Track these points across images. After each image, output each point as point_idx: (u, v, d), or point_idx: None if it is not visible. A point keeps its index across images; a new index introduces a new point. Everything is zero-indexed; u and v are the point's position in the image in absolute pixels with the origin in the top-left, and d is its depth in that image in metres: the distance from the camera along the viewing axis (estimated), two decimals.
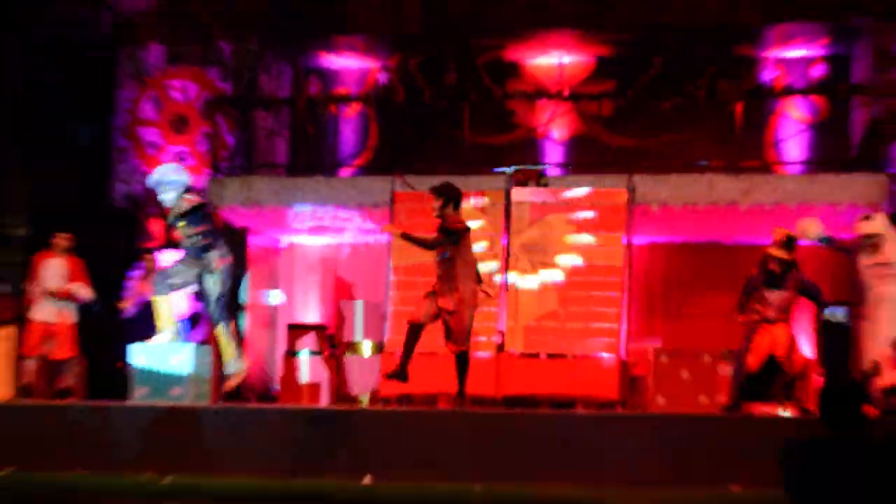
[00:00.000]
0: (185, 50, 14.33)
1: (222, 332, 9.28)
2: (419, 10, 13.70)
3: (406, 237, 8.92)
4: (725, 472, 7.16)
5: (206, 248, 9.07)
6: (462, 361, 8.72)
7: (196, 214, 9.06)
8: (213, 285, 9.10)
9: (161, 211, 9.89)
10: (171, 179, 9.12)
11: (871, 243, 9.19)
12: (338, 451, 7.69)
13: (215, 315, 9.18)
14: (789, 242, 9.53)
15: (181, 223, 9.09)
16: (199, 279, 9.18)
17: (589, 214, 11.21)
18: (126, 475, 7.58)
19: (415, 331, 8.73)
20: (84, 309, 11.24)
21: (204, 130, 13.44)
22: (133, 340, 10.03)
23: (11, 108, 13.97)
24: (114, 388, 10.26)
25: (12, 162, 13.93)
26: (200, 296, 9.51)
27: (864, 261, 9.25)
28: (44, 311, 10.89)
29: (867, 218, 9.37)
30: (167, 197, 9.20)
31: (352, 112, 14.37)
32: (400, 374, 8.76)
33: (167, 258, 9.80)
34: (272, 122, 13.96)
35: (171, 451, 7.87)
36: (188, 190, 9.18)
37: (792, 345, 9.80)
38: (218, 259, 9.09)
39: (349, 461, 7.56)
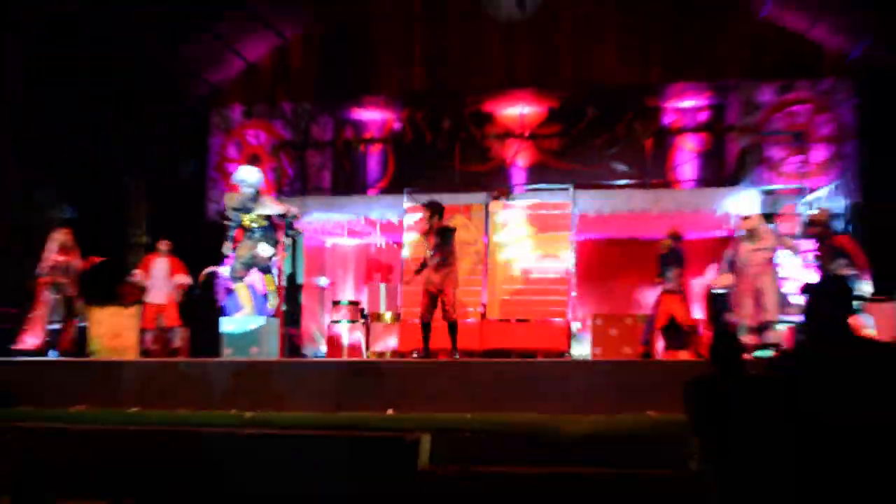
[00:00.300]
0: (258, 108, 14.23)
1: (269, 279, 9.47)
2: (423, 79, 13.68)
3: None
4: (644, 401, 7.08)
5: (264, 230, 9.27)
6: (453, 327, 8.79)
7: (263, 203, 9.35)
8: (265, 251, 9.29)
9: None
10: (249, 176, 9.41)
11: (751, 234, 9.12)
12: (368, 392, 7.61)
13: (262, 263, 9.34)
14: (677, 236, 9.69)
15: (251, 208, 9.31)
16: (254, 255, 9.28)
17: (544, 219, 11.23)
18: (218, 412, 7.51)
19: (426, 325, 8.83)
20: (185, 292, 11.17)
21: (271, 165, 13.41)
22: (223, 314, 9.98)
23: (136, 152, 13.90)
24: (209, 348, 10.17)
25: (137, 191, 13.87)
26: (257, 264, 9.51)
27: (746, 246, 9.15)
28: (155, 295, 10.80)
29: (747, 217, 9.32)
30: (245, 190, 9.34)
31: (375, 150, 14.36)
32: (425, 354, 8.78)
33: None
34: (319, 158, 13.97)
35: (250, 394, 7.81)
36: (257, 187, 9.45)
37: (686, 308, 9.79)
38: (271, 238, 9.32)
39: (377, 398, 7.49)
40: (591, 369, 7.67)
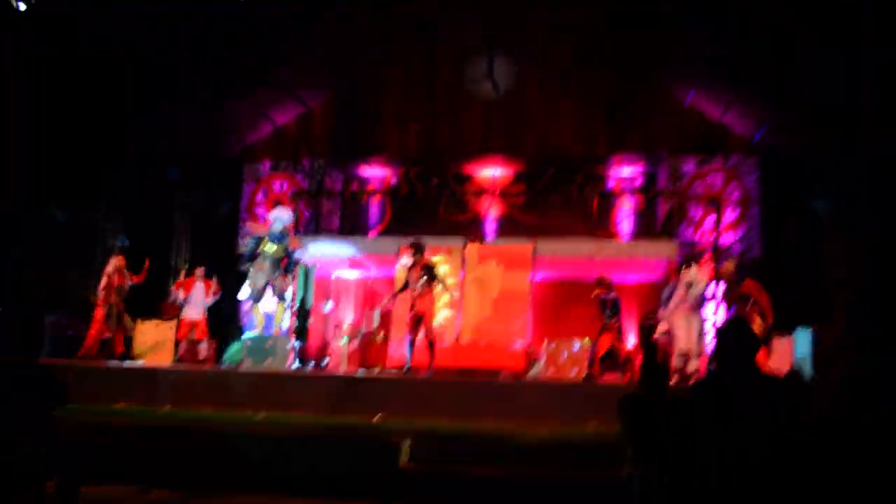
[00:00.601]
0: (282, 163, 14.09)
1: (282, 307, 9.31)
2: (417, 144, 13.62)
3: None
4: (588, 415, 6.96)
5: (279, 262, 9.15)
6: (432, 345, 8.64)
7: (285, 239, 9.22)
8: (282, 282, 9.16)
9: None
10: (283, 216, 9.31)
11: (689, 283, 9.02)
12: (361, 399, 7.45)
13: (279, 292, 9.18)
14: (603, 282, 9.57)
15: (276, 241, 9.18)
16: (271, 281, 9.12)
17: (509, 261, 11.14)
18: (236, 411, 7.33)
19: (410, 345, 8.74)
20: (213, 309, 10.96)
21: (291, 209, 13.22)
22: (245, 330, 9.80)
23: (183, 195, 13.79)
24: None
25: (181, 226, 13.74)
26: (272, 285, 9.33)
27: (681, 292, 9.05)
28: (190, 312, 10.61)
29: (688, 266, 9.20)
30: (276, 225, 9.25)
31: (376, 199, 14.21)
32: (408, 369, 8.65)
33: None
34: (330, 204, 13.80)
35: (264, 397, 7.63)
36: (287, 226, 9.36)
37: (621, 339, 9.71)
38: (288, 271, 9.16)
39: (366, 405, 7.32)
40: (546, 387, 7.53)
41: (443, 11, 13.31)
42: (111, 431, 6.63)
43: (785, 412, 2.85)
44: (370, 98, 13.84)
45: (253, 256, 9.44)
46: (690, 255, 11.34)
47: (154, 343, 10.66)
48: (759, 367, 3.19)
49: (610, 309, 9.44)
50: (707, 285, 9.75)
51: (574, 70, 13.22)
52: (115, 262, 10.19)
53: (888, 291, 10.67)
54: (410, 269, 8.85)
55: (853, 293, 11.32)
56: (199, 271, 10.82)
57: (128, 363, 9.57)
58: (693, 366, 8.63)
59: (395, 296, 8.83)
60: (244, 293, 9.44)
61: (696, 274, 9.03)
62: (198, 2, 11.94)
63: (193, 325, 10.56)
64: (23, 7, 8.38)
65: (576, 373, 9.84)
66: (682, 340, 8.74)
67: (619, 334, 9.61)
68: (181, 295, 10.68)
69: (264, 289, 9.18)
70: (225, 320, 11.43)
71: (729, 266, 9.47)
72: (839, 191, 12.11)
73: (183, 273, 11.17)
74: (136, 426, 6.78)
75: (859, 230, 11.71)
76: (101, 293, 10.04)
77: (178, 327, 10.68)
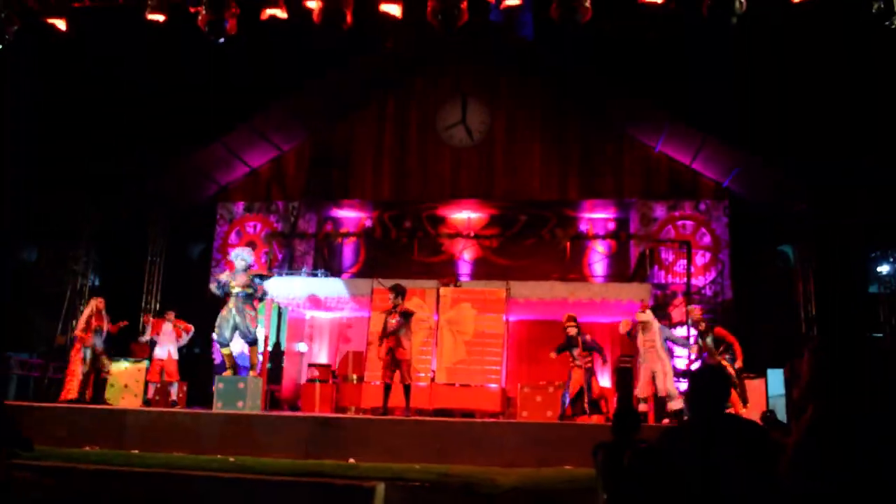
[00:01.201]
0: (257, 205, 14.07)
1: (254, 351, 9.19)
2: (391, 188, 13.69)
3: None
4: (562, 457, 6.95)
5: (249, 297, 9.07)
6: (408, 389, 8.58)
7: (251, 277, 9.17)
8: (249, 322, 9.07)
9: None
10: (244, 255, 9.23)
11: (644, 326, 9.11)
12: (333, 443, 7.34)
13: (250, 337, 9.08)
14: (574, 320, 9.60)
15: (240, 279, 9.11)
16: (237, 324, 9.03)
17: (483, 303, 11.14)
18: (207, 455, 7.18)
19: (387, 386, 8.67)
20: (185, 350, 10.83)
21: (265, 250, 13.21)
22: (217, 372, 9.65)
23: (157, 235, 13.71)
24: (203, 400, 9.80)
25: (153, 267, 13.61)
26: (241, 332, 9.20)
27: (641, 336, 9.15)
28: (160, 353, 10.45)
29: (643, 310, 9.33)
30: (239, 264, 9.19)
31: (350, 242, 14.25)
32: (384, 412, 8.58)
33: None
34: (304, 246, 13.73)
35: (235, 441, 7.48)
36: (250, 264, 9.29)
37: (594, 381, 9.70)
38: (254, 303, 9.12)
39: (340, 448, 7.23)
40: (520, 429, 7.50)
41: (418, 62, 13.56)
42: (78, 476, 6.45)
43: (759, 457, 2.85)
44: (344, 142, 13.93)
45: (224, 298, 9.35)
46: (662, 299, 11.51)
47: (124, 385, 10.46)
48: (731, 413, 3.23)
49: (581, 347, 9.44)
50: (677, 328, 9.85)
51: (545, 117, 13.48)
52: (94, 304, 10.06)
53: (854, 332, 10.88)
54: (390, 312, 8.83)
55: (821, 333, 11.52)
56: (171, 315, 10.69)
57: (96, 405, 9.35)
58: (675, 405, 8.65)
59: (382, 340, 8.76)
60: (215, 335, 9.30)
61: (649, 316, 9.11)
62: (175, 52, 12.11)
63: (163, 367, 10.40)
64: None
65: (550, 415, 9.80)
66: (660, 381, 8.79)
67: (591, 374, 9.58)
68: (150, 331, 10.54)
69: (234, 330, 9.08)
70: (197, 362, 11.26)
71: (696, 314, 9.57)
72: (804, 237, 12.40)
73: (149, 317, 11.00)
74: (104, 471, 6.60)
75: (826, 273, 11.97)
76: (79, 335, 9.88)
77: (148, 368, 10.51)
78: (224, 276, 9.34)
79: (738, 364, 8.91)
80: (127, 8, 8.62)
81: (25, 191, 15.02)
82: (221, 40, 8.06)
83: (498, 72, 13.75)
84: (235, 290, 9.14)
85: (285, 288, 11.78)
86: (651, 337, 8.96)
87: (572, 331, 9.47)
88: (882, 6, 6.99)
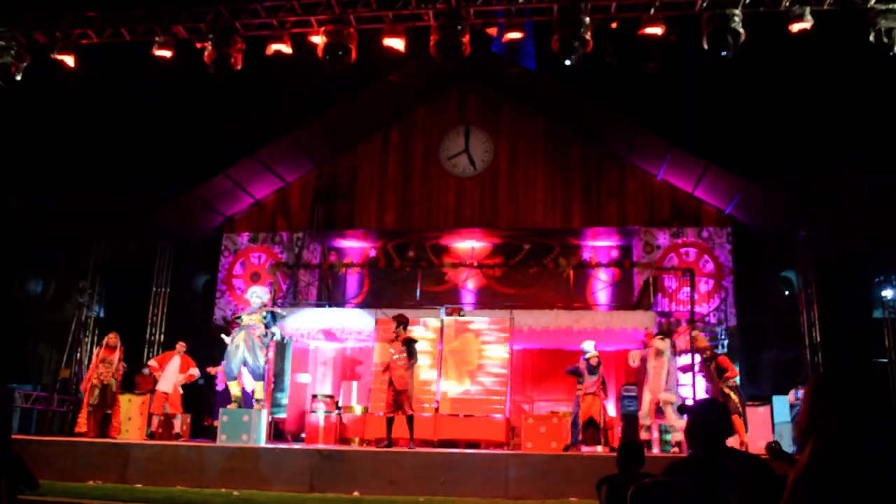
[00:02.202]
0: (261, 235, 14.13)
1: (260, 386, 9.16)
2: (394, 218, 13.75)
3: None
4: (567, 488, 6.90)
5: (256, 334, 9.09)
6: (411, 420, 8.55)
7: (264, 314, 9.15)
8: (259, 355, 9.06)
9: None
10: (259, 293, 9.22)
11: (656, 353, 9.09)
12: (338, 475, 7.30)
13: (258, 372, 9.05)
14: (591, 347, 9.62)
15: (254, 314, 9.11)
16: (245, 359, 9.03)
17: (487, 332, 11.11)
18: (211, 489, 7.15)
19: (389, 421, 8.66)
20: (189, 385, 10.80)
21: (269, 281, 13.21)
22: (220, 405, 9.64)
23: (162, 267, 13.79)
24: (206, 433, 9.77)
25: (158, 298, 13.66)
26: (250, 368, 9.18)
27: (652, 361, 9.13)
28: (164, 385, 10.44)
29: (661, 337, 9.30)
30: (255, 301, 9.21)
31: (354, 272, 14.25)
32: (388, 444, 8.55)
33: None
34: (308, 276, 13.75)
35: (239, 474, 7.44)
36: (265, 302, 9.29)
37: (602, 409, 9.63)
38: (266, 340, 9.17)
39: (344, 482, 7.18)
40: (525, 461, 7.46)
41: (421, 93, 13.72)
42: None
43: (761, 492, 2.84)
44: (348, 173, 14.03)
45: (230, 327, 9.39)
46: (666, 327, 11.49)
47: (126, 417, 10.45)
48: (732, 447, 3.21)
49: (589, 375, 9.39)
50: (680, 355, 9.82)
51: (548, 146, 13.58)
52: (107, 338, 10.13)
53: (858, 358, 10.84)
54: (392, 342, 8.84)
55: (825, 360, 11.47)
56: (181, 346, 10.70)
57: (99, 439, 9.32)
58: (677, 437, 8.62)
59: (385, 370, 8.75)
60: (222, 367, 9.31)
61: (666, 345, 9.12)
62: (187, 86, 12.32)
63: (167, 399, 10.39)
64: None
65: (555, 446, 9.74)
66: (668, 411, 8.75)
67: (600, 403, 9.52)
68: (158, 376, 10.52)
69: (241, 363, 9.07)
70: (200, 394, 11.25)
71: (700, 344, 9.55)
72: (807, 263, 12.40)
73: (151, 364, 10.96)
74: None
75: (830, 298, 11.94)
76: (90, 369, 9.95)
77: (151, 401, 10.49)
78: (243, 316, 9.40)
79: (741, 395, 8.87)
80: (134, 44, 8.77)
81: (31, 223, 15.15)
82: (224, 77, 8.19)
83: (500, 102, 13.89)
84: (247, 322, 9.16)
85: (289, 319, 11.79)
86: (661, 364, 8.95)
87: (594, 361, 9.44)
88: (881, 32, 7.10)
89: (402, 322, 8.82)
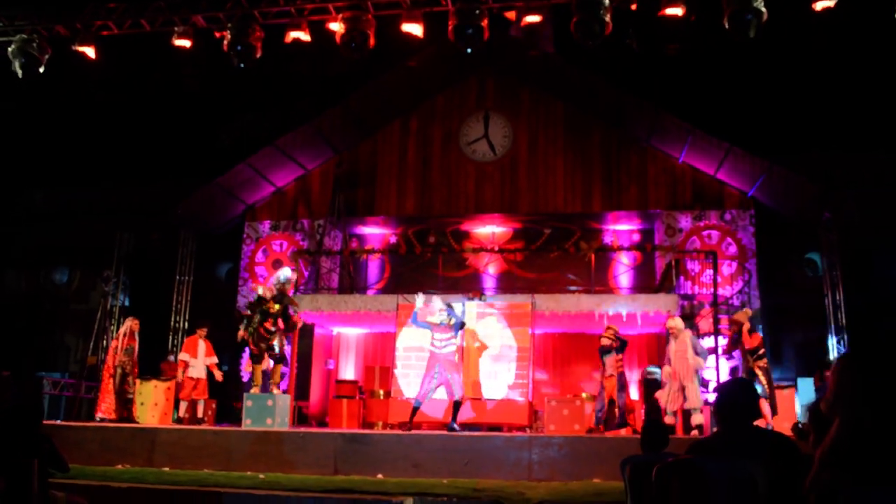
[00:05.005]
0: (283, 223, 14.21)
1: (277, 368, 9.27)
2: (415, 204, 13.76)
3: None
4: (590, 470, 6.92)
5: (278, 320, 9.16)
6: (457, 405, 8.73)
7: (285, 297, 9.24)
8: (281, 341, 9.16)
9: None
10: (286, 275, 9.32)
11: (674, 335, 9.06)
12: (362, 458, 7.37)
13: (279, 355, 9.16)
14: (613, 331, 9.60)
15: (277, 301, 9.20)
16: (270, 341, 9.10)
17: (509, 316, 11.13)
18: (237, 473, 7.25)
19: (416, 408, 8.78)
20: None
21: (291, 268, 13.30)
22: (244, 390, 9.75)
23: (186, 256, 13.92)
24: (231, 418, 9.89)
25: (181, 286, 13.81)
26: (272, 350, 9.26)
27: (671, 346, 9.10)
28: (196, 371, 10.58)
29: (673, 318, 9.28)
30: (279, 285, 9.29)
31: (375, 258, 14.30)
32: (409, 427, 8.63)
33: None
34: (330, 263, 13.81)
35: (264, 458, 7.54)
36: (288, 277, 9.39)
37: (623, 390, 9.60)
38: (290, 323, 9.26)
39: (368, 464, 7.25)
40: (547, 443, 7.48)
41: (440, 79, 13.68)
42: (110, 494, 6.55)
43: (787, 471, 2.83)
44: (368, 160, 14.06)
45: (253, 316, 9.42)
46: (689, 310, 11.42)
47: (153, 403, 10.61)
48: (760, 427, 3.20)
49: (611, 355, 9.37)
50: (703, 338, 9.75)
51: (568, 129, 13.50)
52: (129, 324, 10.26)
53: (884, 341, 10.68)
54: (439, 325, 8.96)
55: (851, 342, 11.34)
56: (202, 331, 10.84)
57: (129, 423, 9.49)
58: (697, 419, 8.58)
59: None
60: (245, 352, 9.43)
61: (678, 323, 9.08)
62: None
63: (195, 384, 10.53)
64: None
65: (577, 428, 9.75)
66: (690, 393, 8.72)
67: (621, 384, 9.48)
68: (190, 360, 10.65)
69: (265, 348, 9.16)
70: (225, 379, 11.38)
71: (739, 318, 9.28)
72: (832, 244, 12.24)
73: (182, 359, 11.03)
74: (135, 488, 6.70)
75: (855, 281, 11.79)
76: (111, 354, 10.10)
77: (180, 386, 10.64)
78: (260, 290, 9.46)
79: (771, 377, 8.78)
80: (154, 35, 8.82)
81: (57, 218, 15.38)
82: (243, 65, 8.22)
83: (520, 86, 13.81)
84: (268, 311, 9.22)
85: (312, 305, 11.88)
86: (682, 346, 8.90)
87: (605, 342, 9.45)
88: None
89: (454, 308, 9.08)
